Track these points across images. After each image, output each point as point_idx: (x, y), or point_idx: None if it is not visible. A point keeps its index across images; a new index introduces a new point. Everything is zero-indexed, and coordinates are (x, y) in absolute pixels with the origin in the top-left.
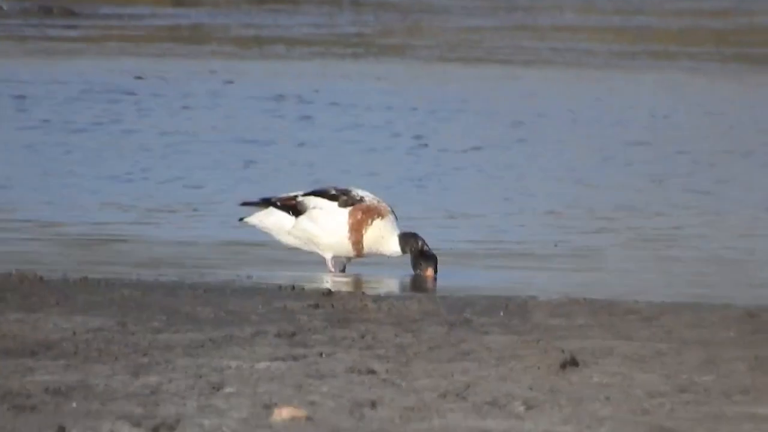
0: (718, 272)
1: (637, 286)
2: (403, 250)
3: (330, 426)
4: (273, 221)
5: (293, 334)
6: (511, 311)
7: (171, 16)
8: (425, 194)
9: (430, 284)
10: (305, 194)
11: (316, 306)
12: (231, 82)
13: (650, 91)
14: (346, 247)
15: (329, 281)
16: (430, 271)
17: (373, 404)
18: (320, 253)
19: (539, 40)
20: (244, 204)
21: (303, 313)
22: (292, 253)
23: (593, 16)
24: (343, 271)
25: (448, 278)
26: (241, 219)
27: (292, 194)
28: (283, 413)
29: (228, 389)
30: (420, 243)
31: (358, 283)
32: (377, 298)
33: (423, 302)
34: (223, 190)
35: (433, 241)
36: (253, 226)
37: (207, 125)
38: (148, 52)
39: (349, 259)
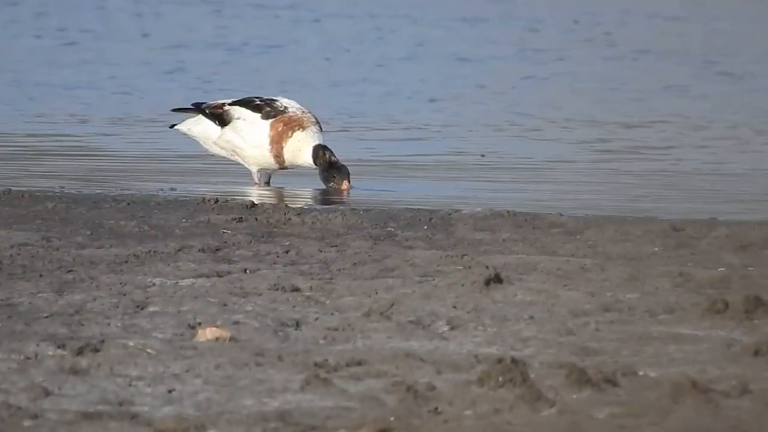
0: (645, 185)
1: (563, 198)
2: (315, 162)
3: (254, 347)
4: (200, 130)
5: (217, 249)
6: (435, 225)
7: None
8: (359, 102)
9: (345, 197)
10: (232, 103)
11: (240, 219)
12: None
13: None
14: (268, 159)
15: (254, 194)
16: (345, 184)
17: (297, 324)
18: (245, 165)
19: None
20: (176, 110)
21: (227, 227)
22: (216, 163)
23: None
24: (268, 183)
25: (372, 190)
26: (172, 126)
27: (221, 102)
28: (207, 333)
29: (152, 308)
30: (328, 155)
31: (281, 195)
32: (301, 211)
33: (347, 215)
34: (153, 97)
35: (355, 151)
36: (183, 134)
37: (132, 27)
38: None
39: (274, 171)
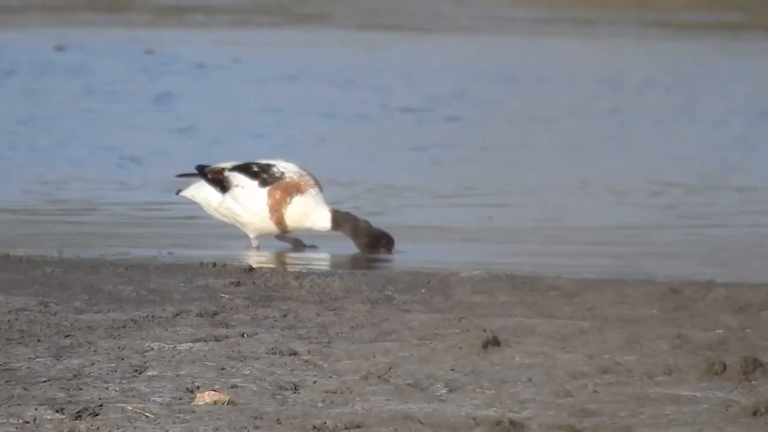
0: (641, 246)
1: (559, 261)
2: (336, 227)
3: (252, 410)
4: (203, 196)
5: (215, 314)
6: (433, 288)
7: None
8: (332, 162)
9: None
10: (232, 168)
11: (238, 283)
12: (151, 51)
13: (571, 55)
14: (269, 226)
15: (251, 258)
16: (395, 248)
17: (296, 387)
18: (246, 231)
19: (459, 6)
20: (181, 175)
21: (224, 291)
22: (214, 227)
23: None
24: (299, 247)
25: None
26: (178, 192)
27: (222, 166)
28: (205, 397)
29: (150, 372)
30: (363, 223)
31: (280, 259)
32: (299, 275)
33: (345, 279)
34: (156, 162)
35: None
36: (188, 200)
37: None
38: (69, 21)
39: (278, 235)
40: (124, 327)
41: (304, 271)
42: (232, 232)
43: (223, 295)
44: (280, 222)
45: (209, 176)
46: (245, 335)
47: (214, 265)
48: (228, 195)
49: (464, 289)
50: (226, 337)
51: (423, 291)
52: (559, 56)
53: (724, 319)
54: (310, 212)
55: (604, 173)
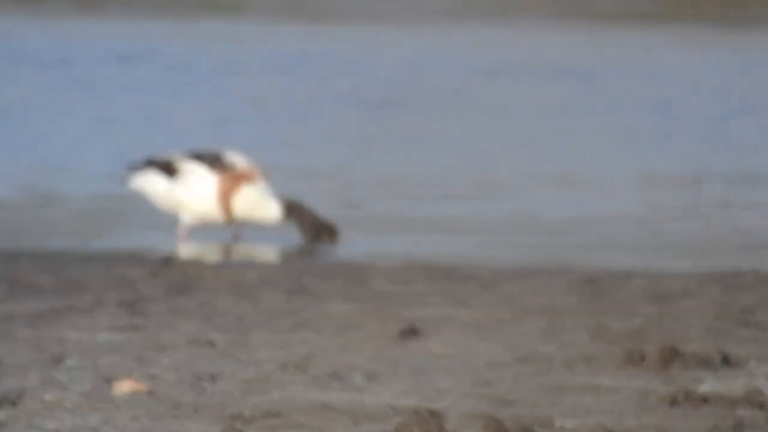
0: (559, 236)
1: (477, 250)
2: (288, 217)
3: (171, 400)
4: (150, 185)
5: (133, 304)
6: (350, 278)
7: None
8: (264, 153)
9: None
10: (182, 157)
11: (155, 274)
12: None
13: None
14: (216, 213)
15: (169, 248)
16: (334, 237)
17: (213, 377)
18: (185, 218)
19: None
20: (130, 168)
21: (142, 281)
22: (134, 218)
23: None
24: (237, 238)
25: (287, 244)
26: (126, 182)
27: (170, 156)
28: (124, 387)
29: (69, 362)
30: (311, 212)
31: (197, 250)
32: (215, 266)
33: (261, 269)
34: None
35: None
36: (136, 190)
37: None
38: None
39: (228, 224)
40: (42, 317)
41: (220, 261)
42: (151, 223)
43: (140, 285)
44: (227, 210)
45: (158, 165)
46: (163, 325)
47: (131, 255)
48: (177, 182)
49: (381, 279)
50: (144, 326)
51: (340, 281)
52: (477, 46)
53: (642, 309)
54: (259, 202)
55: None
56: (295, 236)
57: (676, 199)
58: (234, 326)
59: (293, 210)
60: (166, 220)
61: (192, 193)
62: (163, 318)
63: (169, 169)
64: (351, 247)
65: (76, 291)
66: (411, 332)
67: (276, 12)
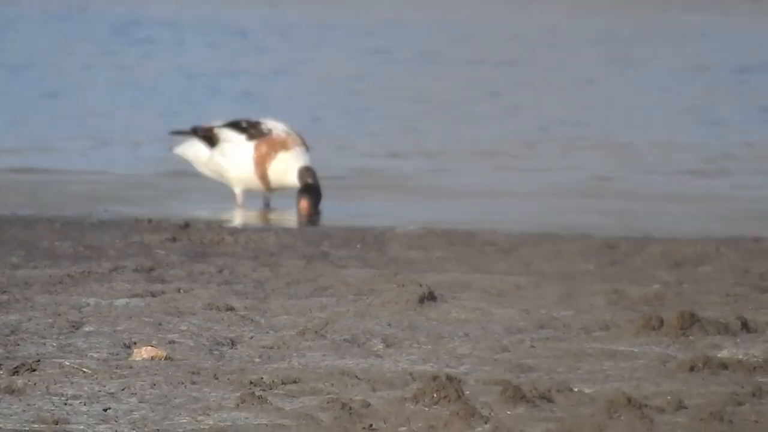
0: (577, 201)
1: (496, 215)
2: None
3: (190, 365)
4: (193, 153)
5: (151, 269)
6: (369, 244)
7: None
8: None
9: (302, 217)
10: (221, 126)
11: (173, 239)
12: (84, 8)
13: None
14: (253, 180)
15: (237, 214)
16: (303, 203)
17: (233, 343)
18: (233, 187)
19: None
20: (174, 132)
21: (160, 247)
22: (151, 186)
23: None
24: (268, 205)
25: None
26: (172, 150)
27: (212, 124)
28: (142, 353)
29: (87, 327)
30: (308, 176)
31: (216, 215)
32: (234, 231)
33: (280, 235)
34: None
35: None
36: (180, 157)
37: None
38: None
39: (265, 191)
40: (60, 283)
41: (239, 226)
42: (171, 189)
43: (158, 251)
44: (263, 177)
45: (200, 133)
46: (181, 291)
47: (150, 221)
48: (216, 150)
49: (400, 245)
50: (163, 292)
51: (358, 246)
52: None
53: (660, 275)
54: (291, 170)
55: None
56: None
57: (696, 163)
58: (253, 292)
59: (301, 175)
60: (186, 186)
61: (230, 161)
62: (181, 283)
63: (210, 137)
64: (369, 212)
65: (94, 257)
66: (429, 298)
67: None
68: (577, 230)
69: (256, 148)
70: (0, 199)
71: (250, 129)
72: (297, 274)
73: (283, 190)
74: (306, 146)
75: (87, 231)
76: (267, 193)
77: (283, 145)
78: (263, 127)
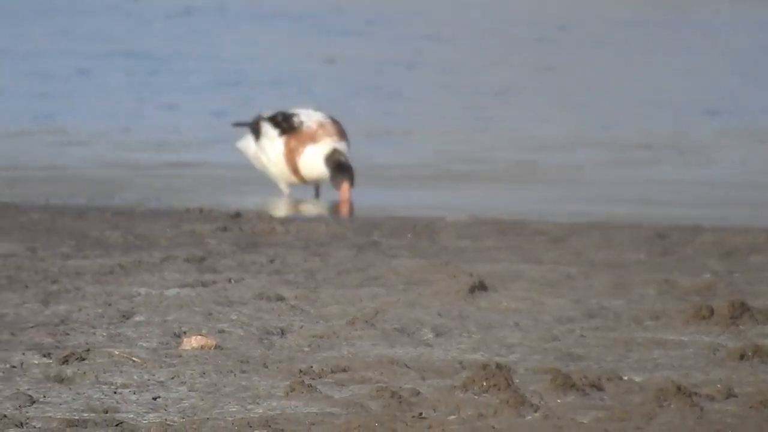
0: (628, 191)
1: (546, 205)
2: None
3: (239, 355)
4: (244, 145)
5: (202, 259)
6: (419, 233)
7: None
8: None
9: (344, 199)
10: (265, 117)
11: (225, 229)
12: None
13: None
14: (288, 175)
15: (287, 204)
16: (345, 185)
17: (282, 332)
18: (276, 180)
19: None
20: (237, 124)
21: (211, 236)
22: (198, 177)
23: None
24: (317, 196)
25: (356, 199)
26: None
27: (261, 115)
28: (192, 342)
29: (137, 317)
30: (336, 156)
31: (267, 205)
32: (285, 221)
33: (331, 224)
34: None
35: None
36: (240, 151)
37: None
38: None
39: (305, 184)
40: (111, 272)
41: (290, 216)
42: (222, 179)
43: (209, 240)
44: (296, 171)
45: (251, 126)
46: (232, 280)
47: (201, 210)
48: (258, 145)
49: (450, 234)
50: (213, 282)
51: (409, 236)
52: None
53: (711, 264)
54: (318, 161)
55: (595, 121)
56: (363, 193)
57: (749, 155)
58: (303, 281)
59: (329, 161)
60: (236, 177)
61: (267, 157)
62: (232, 273)
63: (257, 130)
64: (419, 202)
65: (144, 247)
66: (480, 287)
67: None
68: (627, 220)
69: (286, 144)
70: (51, 189)
71: (283, 123)
72: (347, 264)
73: (320, 182)
74: (343, 136)
75: (138, 220)
76: (314, 185)
77: (311, 138)
78: (295, 120)
